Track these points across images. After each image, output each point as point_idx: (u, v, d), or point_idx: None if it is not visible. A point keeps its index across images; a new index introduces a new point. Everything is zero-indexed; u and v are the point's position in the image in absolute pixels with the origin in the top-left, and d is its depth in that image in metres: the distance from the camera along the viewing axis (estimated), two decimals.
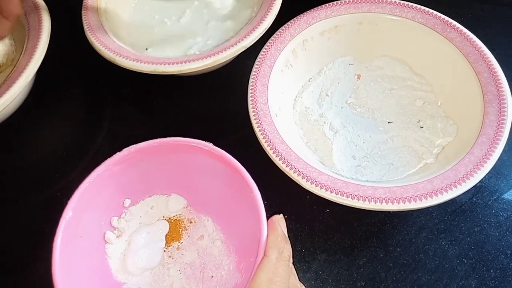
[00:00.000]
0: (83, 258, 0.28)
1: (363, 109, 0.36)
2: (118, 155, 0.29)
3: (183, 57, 0.34)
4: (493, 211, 0.33)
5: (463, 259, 0.31)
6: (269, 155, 0.29)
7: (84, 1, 0.39)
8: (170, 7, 0.43)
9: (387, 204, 0.26)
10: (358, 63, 0.38)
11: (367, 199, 0.26)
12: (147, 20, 0.42)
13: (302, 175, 0.28)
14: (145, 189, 0.32)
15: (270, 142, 0.29)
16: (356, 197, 0.26)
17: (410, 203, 0.26)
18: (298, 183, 0.28)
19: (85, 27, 0.37)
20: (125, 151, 0.29)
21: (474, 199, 0.33)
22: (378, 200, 0.26)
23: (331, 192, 0.27)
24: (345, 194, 0.27)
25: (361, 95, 0.37)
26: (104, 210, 0.30)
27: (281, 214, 0.26)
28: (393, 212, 0.33)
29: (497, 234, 0.32)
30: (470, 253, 0.31)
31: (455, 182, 0.27)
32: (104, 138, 0.39)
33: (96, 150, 0.39)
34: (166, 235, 0.31)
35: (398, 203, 0.26)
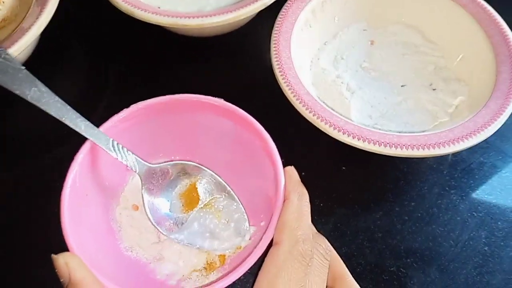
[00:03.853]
0: (90, 215, 0.27)
1: (377, 73, 0.37)
2: (125, 112, 0.28)
3: (204, 12, 0.34)
4: (499, 170, 0.35)
5: (473, 213, 0.32)
6: (295, 105, 0.29)
7: None
8: None
9: (412, 150, 0.27)
10: (372, 29, 0.39)
11: (393, 145, 0.27)
12: None
13: (329, 123, 0.28)
14: (150, 151, 0.30)
15: (296, 93, 0.30)
16: (383, 143, 0.27)
17: (434, 149, 0.27)
18: (325, 131, 0.28)
19: None
20: (133, 107, 0.28)
21: (481, 159, 0.35)
22: (404, 146, 0.27)
23: (359, 139, 0.27)
24: (372, 141, 0.27)
25: (375, 59, 0.38)
26: (109, 169, 0.29)
27: (292, 166, 0.26)
28: (408, 170, 0.34)
29: (503, 190, 0.34)
30: (479, 207, 0.33)
31: (474, 131, 0.28)
32: (112, 94, 0.39)
33: (104, 107, 0.38)
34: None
35: (423, 149, 0.27)
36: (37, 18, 0.33)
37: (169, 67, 0.40)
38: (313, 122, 0.29)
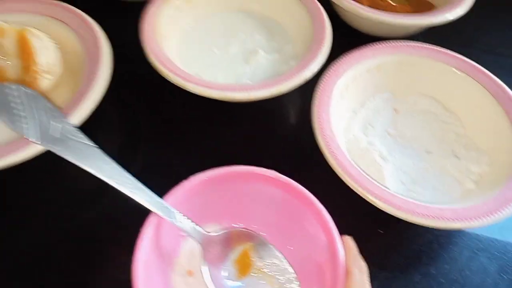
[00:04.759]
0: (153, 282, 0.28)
1: (403, 139, 0.40)
2: (186, 183, 0.30)
3: (247, 86, 0.37)
4: None
5: (503, 275, 0.35)
6: (341, 177, 0.32)
7: (141, 28, 0.41)
8: (217, 37, 0.46)
9: (454, 222, 0.29)
10: (396, 98, 0.42)
11: (424, 215, 0.30)
12: (197, 48, 0.44)
13: (377, 196, 0.30)
14: (205, 217, 0.32)
15: (341, 164, 0.32)
16: (428, 216, 0.30)
17: (473, 221, 0.30)
18: (375, 203, 0.30)
19: (149, 52, 0.38)
20: (193, 179, 0.30)
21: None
22: (433, 217, 0.29)
23: (396, 208, 0.30)
24: (418, 214, 0.30)
25: (400, 126, 0.41)
26: (166, 237, 0.30)
27: (350, 237, 0.28)
28: (439, 233, 0.36)
29: None
30: (507, 269, 0.35)
31: (505, 204, 0.31)
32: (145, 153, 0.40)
33: (141, 167, 0.39)
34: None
35: (463, 221, 0.29)
36: (90, 88, 0.35)
37: (212, 131, 0.42)
38: (356, 191, 0.31)
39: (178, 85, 0.36)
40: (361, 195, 0.31)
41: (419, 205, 0.30)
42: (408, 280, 0.34)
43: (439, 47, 0.41)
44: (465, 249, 0.36)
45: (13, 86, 0.28)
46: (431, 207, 0.30)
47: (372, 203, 0.31)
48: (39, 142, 0.29)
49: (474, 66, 0.40)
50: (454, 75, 0.40)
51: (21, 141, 0.30)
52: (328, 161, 0.33)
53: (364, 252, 0.34)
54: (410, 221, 0.30)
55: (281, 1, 0.47)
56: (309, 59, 0.39)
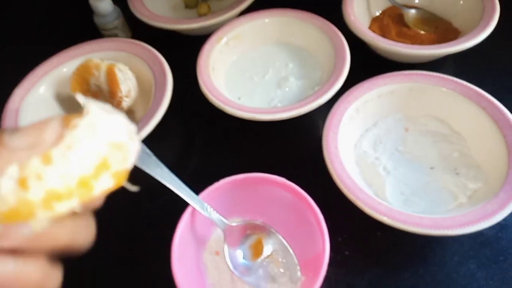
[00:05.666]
0: (187, 258, 0.38)
1: (411, 156, 0.46)
2: (216, 184, 0.40)
3: (273, 109, 0.46)
4: None
5: (489, 281, 0.39)
6: (340, 189, 0.39)
7: (197, 64, 0.52)
8: (257, 67, 0.55)
9: (431, 229, 0.35)
10: (407, 119, 0.48)
11: (415, 225, 0.36)
12: (240, 77, 0.55)
13: (366, 204, 0.37)
14: (230, 212, 0.41)
15: (340, 177, 0.39)
16: (407, 223, 0.36)
17: (448, 230, 0.35)
18: (363, 210, 0.37)
19: (200, 83, 0.49)
20: (222, 181, 0.40)
21: (500, 234, 0.41)
22: (424, 226, 0.35)
23: (389, 218, 0.36)
24: (398, 220, 0.36)
25: (409, 144, 0.46)
26: (200, 224, 0.40)
27: None
28: (432, 238, 0.41)
29: None
30: (495, 277, 0.39)
31: (483, 217, 0.35)
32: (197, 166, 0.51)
33: (190, 174, 0.50)
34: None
35: (440, 230, 0.35)
36: (156, 111, 0.47)
37: (244, 145, 0.52)
38: (352, 200, 0.38)
39: (219, 108, 0.46)
40: (351, 200, 0.38)
41: (402, 213, 0.37)
42: (397, 277, 0.40)
43: (446, 75, 0.46)
44: (456, 255, 0.41)
45: None
46: (412, 215, 0.36)
47: (359, 207, 0.38)
48: None
49: (477, 91, 0.44)
50: (460, 100, 0.45)
51: None
52: (329, 172, 0.41)
53: (361, 250, 0.42)
54: (391, 225, 0.36)
55: (312, 34, 0.55)
56: (327, 87, 0.46)
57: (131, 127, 0.21)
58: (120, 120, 0.20)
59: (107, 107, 0.20)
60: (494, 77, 0.54)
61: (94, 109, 0.19)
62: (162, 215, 0.43)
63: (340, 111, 0.45)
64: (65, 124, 0.18)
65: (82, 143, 0.18)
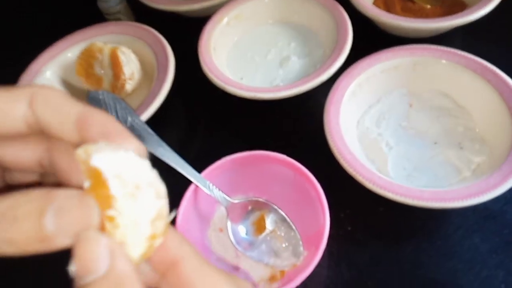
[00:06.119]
0: (191, 234, 0.39)
1: (414, 131, 0.45)
2: (218, 162, 0.40)
3: (274, 87, 0.46)
4: None
5: (493, 254, 0.39)
6: (341, 163, 0.39)
7: (199, 44, 0.52)
8: (259, 47, 0.55)
9: (432, 202, 0.35)
10: (411, 94, 0.47)
11: (416, 198, 0.35)
12: (242, 57, 0.54)
13: (366, 178, 0.37)
14: (233, 189, 0.42)
15: (341, 152, 0.39)
16: (408, 196, 0.36)
17: (449, 202, 0.35)
18: (363, 184, 0.37)
19: (202, 63, 0.49)
20: (223, 159, 0.40)
21: (504, 208, 0.41)
22: (425, 199, 0.35)
23: (389, 192, 0.36)
24: (399, 194, 0.36)
25: (413, 120, 0.46)
26: (204, 202, 0.41)
27: None
28: (435, 213, 0.41)
29: None
30: (498, 250, 0.39)
31: (485, 190, 0.35)
32: (202, 145, 0.52)
33: (195, 156, 0.51)
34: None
35: (440, 202, 0.35)
36: (158, 92, 0.47)
37: (247, 123, 0.53)
38: (353, 176, 0.38)
39: (221, 88, 0.47)
40: (351, 174, 0.38)
41: (402, 186, 0.36)
42: (400, 250, 0.40)
43: (450, 48, 0.45)
44: (460, 229, 0.40)
45: (104, 92, 0.41)
46: (412, 189, 0.36)
47: (359, 181, 0.38)
48: None
49: (482, 64, 0.43)
50: (465, 73, 0.44)
51: None
52: (330, 147, 0.41)
53: (363, 224, 0.42)
54: (391, 199, 0.36)
55: (314, 11, 0.54)
56: (329, 63, 0.46)
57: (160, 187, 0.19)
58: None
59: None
60: (503, 51, 0.53)
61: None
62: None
63: (342, 87, 0.44)
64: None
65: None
